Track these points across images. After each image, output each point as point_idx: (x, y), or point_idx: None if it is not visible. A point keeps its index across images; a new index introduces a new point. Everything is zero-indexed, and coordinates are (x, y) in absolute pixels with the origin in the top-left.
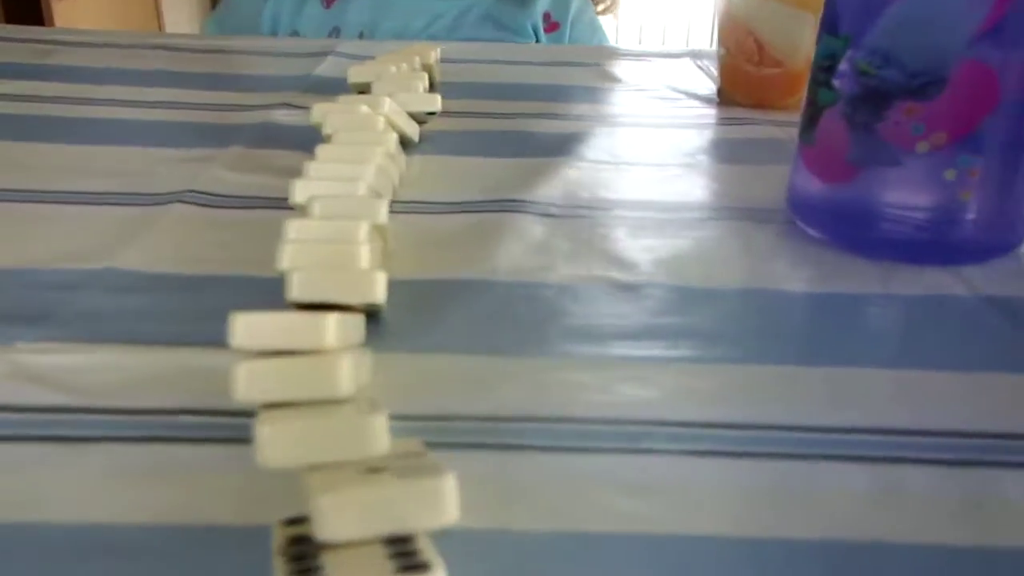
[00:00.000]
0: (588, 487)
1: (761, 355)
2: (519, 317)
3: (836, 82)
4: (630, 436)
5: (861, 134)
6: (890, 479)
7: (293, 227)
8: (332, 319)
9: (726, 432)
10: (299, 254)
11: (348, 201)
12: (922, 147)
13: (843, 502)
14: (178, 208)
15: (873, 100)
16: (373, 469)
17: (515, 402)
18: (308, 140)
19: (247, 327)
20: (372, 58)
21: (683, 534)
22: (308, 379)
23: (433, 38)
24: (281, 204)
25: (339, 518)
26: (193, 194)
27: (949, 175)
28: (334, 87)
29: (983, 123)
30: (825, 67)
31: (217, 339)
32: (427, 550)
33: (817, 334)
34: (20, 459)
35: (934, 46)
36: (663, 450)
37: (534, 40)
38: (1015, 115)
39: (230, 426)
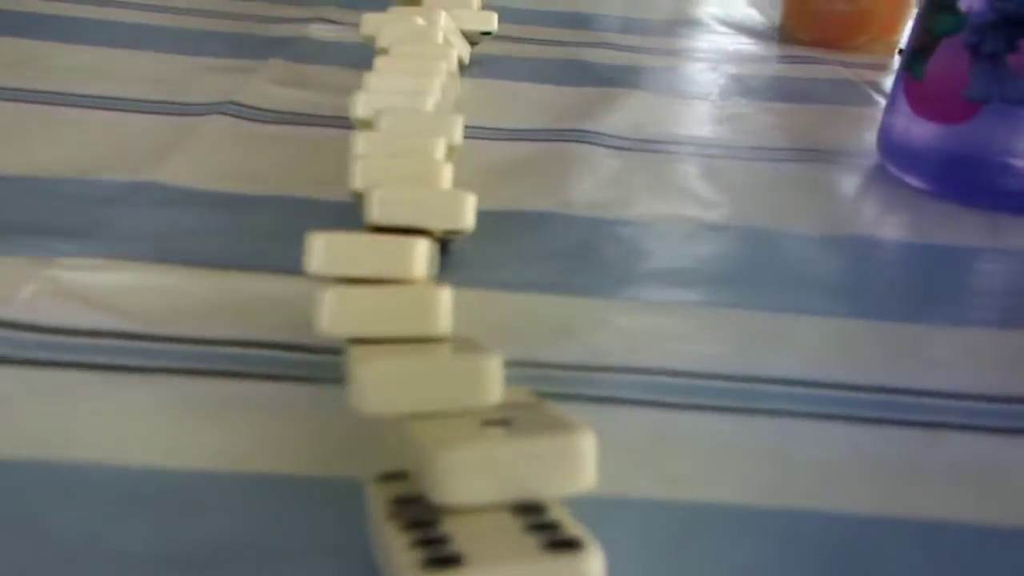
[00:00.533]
0: (696, 449)
1: (861, 309)
2: (601, 256)
3: (962, 5)
4: (734, 394)
5: (987, 66)
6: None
7: (363, 140)
8: (423, 244)
9: (831, 392)
10: (374, 171)
11: (420, 116)
12: None
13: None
14: (219, 120)
15: (1006, 27)
16: (491, 421)
17: (608, 350)
18: (353, 57)
19: (327, 249)
20: None
21: (799, 508)
22: (405, 312)
23: None
24: (330, 122)
25: (465, 478)
26: (235, 106)
27: None
28: (370, 3)
29: None
30: None
31: (281, 264)
32: (569, 522)
33: (920, 288)
34: (57, 387)
35: None
36: (782, 411)
37: None
38: None
39: (308, 363)
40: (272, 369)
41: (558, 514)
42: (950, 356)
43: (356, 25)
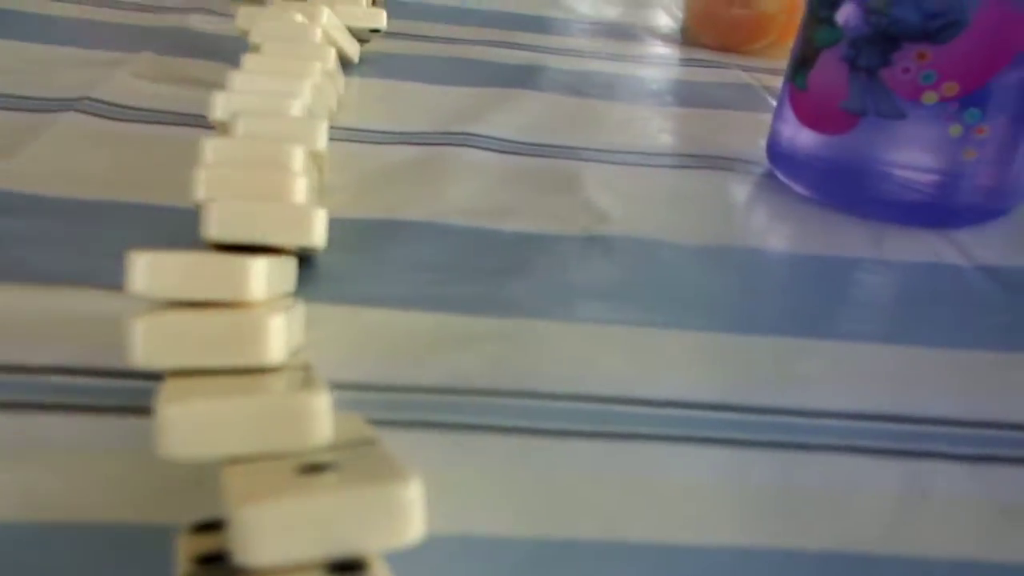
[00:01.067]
0: (564, 479)
1: (746, 324)
2: (476, 268)
3: (839, 19)
4: (608, 417)
5: (863, 79)
6: (915, 473)
7: (211, 147)
8: (259, 264)
9: (713, 415)
10: (219, 181)
11: (280, 120)
12: (929, 97)
13: (864, 503)
14: (71, 117)
15: (881, 42)
16: (312, 466)
17: (475, 371)
18: (230, 51)
19: (150, 269)
20: None
21: (652, 543)
22: (228, 340)
23: None
24: (196, 121)
25: (270, 535)
26: (91, 103)
27: (955, 131)
28: None
29: (999, 74)
30: (827, 2)
31: (114, 280)
32: None
33: (805, 301)
34: None
35: None
36: (648, 435)
37: None
38: None
39: (123, 391)
40: (79, 399)
41: (377, 571)
42: (820, 372)
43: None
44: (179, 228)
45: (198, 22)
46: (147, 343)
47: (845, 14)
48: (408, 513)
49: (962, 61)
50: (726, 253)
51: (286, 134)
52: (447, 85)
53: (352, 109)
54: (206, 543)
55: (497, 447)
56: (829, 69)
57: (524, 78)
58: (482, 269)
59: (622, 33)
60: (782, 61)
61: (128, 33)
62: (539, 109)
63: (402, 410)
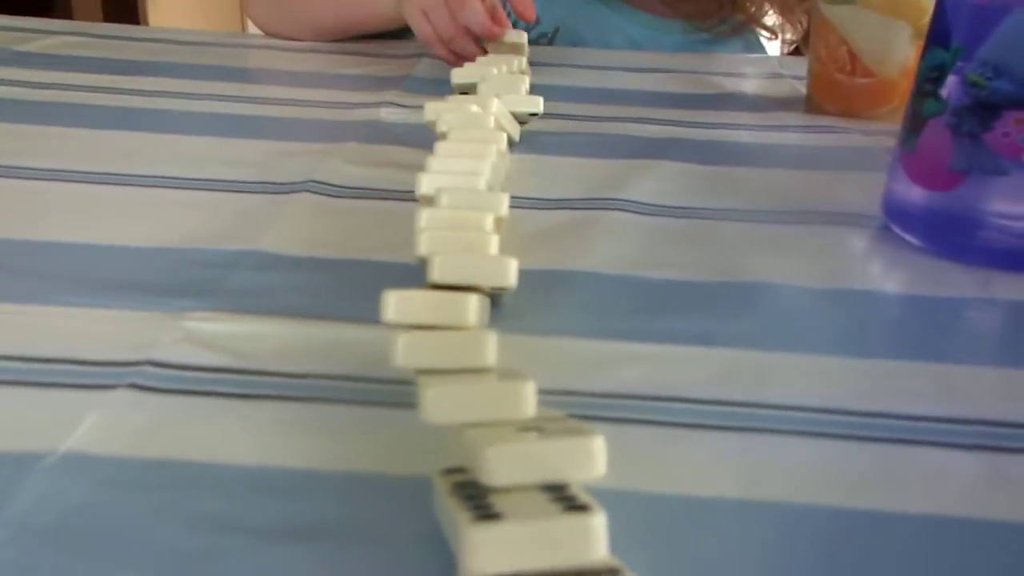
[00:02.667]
0: (700, 459)
1: (863, 349)
2: (629, 308)
3: (943, 93)
4: (742, 417)
5: (966, 143)
6: (996, 465)
7: (425, 216)
8: (475, 299)
9: (839, 418)
10: (435, 241)
11: (473, 194)
12: None
13: (951, 484)
14: (306, 197)
15: (981, 111)
16: (526, 428)
17: (633, 382)
18: (417, 137)
19: (399, 303)
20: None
21: (786, 502)
22: (460, 350)
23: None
24: (400, 196)
25: (505, 466)
26: (317, 184)
27: None
28: (431, 87)
29: None
30: (932, 78)
31: (360, 315)
32: (584, 495)
33: (916, 332)
34: (196, 411)
35: None
36: (773, 430)
37: None
38: None
39: (384, 392)
40: (356, 396)
41: (575, 491)
42: (926, 388)
43: (421, 107)
44: (399, 277)
45: (387, 115)
46: (406, 351)
47: (948, 88)
48: (595, 456)
49: None
50: (846, 296)
51: (478, 205)
52: (594, 158)
53: (518, 180)
54: (457, 478)
55: (649, 436)
56: (936, 135)
57: (663, 150)
58: (634, 308)
59: (750, 104)
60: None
61: (332, 127)
62: (678, 176)
63: (578, 409)
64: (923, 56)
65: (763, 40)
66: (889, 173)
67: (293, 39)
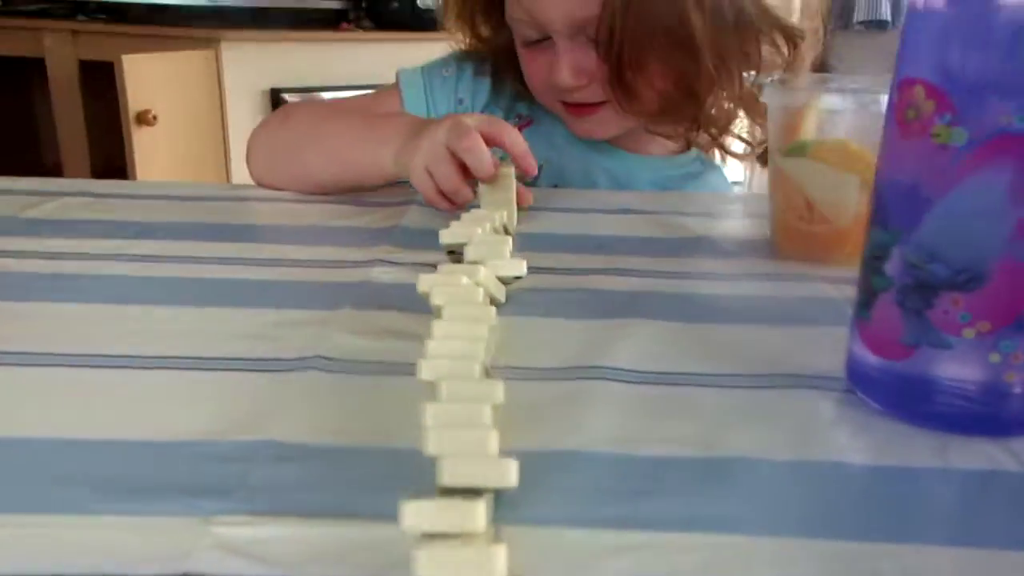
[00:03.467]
0: None
1: (830, 531)
2: (618, 491)
3: (888, 270)
4: None
5: (913, 319)
6: None
7: (430, 412)
8: (482, 507)
9: None
10: (441, 441)
11: (470, 384)
12: (968, 333)
13: None
14: (311, 375)
15: (922, 290)
16: None
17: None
18: (409, 300)
19: (416, 513)
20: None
21: None
22: (478, 566)
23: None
24: (400, 370)
25: None
26: (321, 360)
27: (994, 358)
28: (420, 239)
29: (1022, 314)
30: (877, 256)
31: (378, 511)
32: None
33: (880, 510)
34: None
35: (975, 244)
36: None
37: None
38: None
39: None
40: None
41: None
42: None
43: (412, 264)
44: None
45: (379, 275)
46: (428, 569)
47: (892, 266)
48: None
49: (989, 305)
50: (816, 468)
51: (475, 395)
52: (576, 319)
53: (508, 347)
54: None
55: None
56: (886, 308)
57: (640, 306)
58: (622, 491)
59: (720, 251)
60: None
61: (327, 291)
62: (655, 338)
63: None
64: (867, 233)
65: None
66: (849, 338)
67: (292, 190)
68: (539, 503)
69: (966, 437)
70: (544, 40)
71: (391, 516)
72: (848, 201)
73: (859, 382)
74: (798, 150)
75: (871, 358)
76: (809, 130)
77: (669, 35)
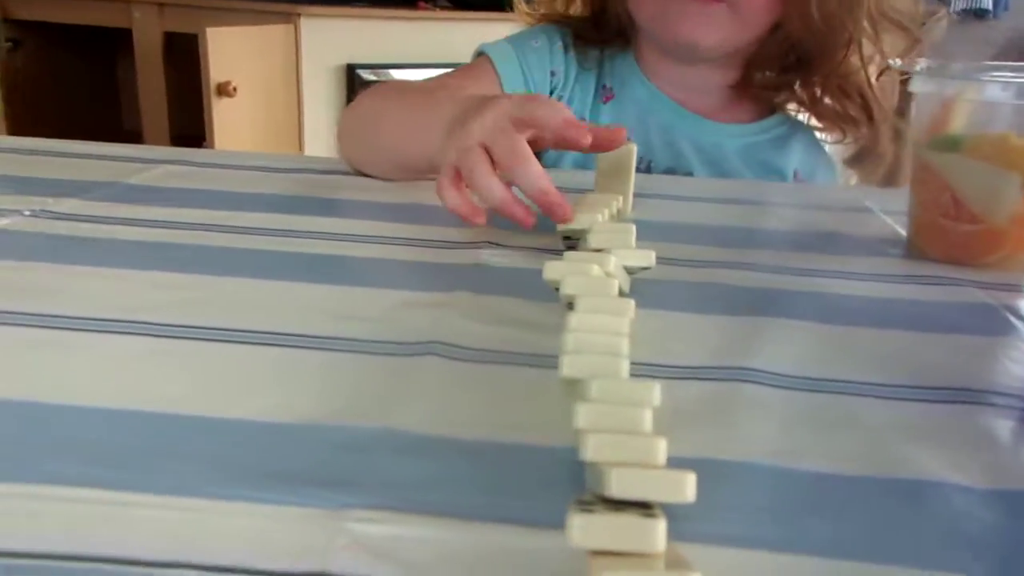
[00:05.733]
0: None
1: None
2: (782, 509)
3: None
4: None
5: None
6: None
7: (583, 413)
8: (663, 527)
9: None
10: (604, 448)
11: (622, 385)
12: None
13: None
14: (432, 361)
15: None
16: None
17: None
18: (527, 287)
19: (587, 527)
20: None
21: None
22: None
23: (688, 166)
24: (527, 360)
25: None
26: (442, 346)
27: None
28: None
29: None
30: None
31: (522, 517)
32: None
33: None
34: None
35: None
36: None
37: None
38: None
39: None
40: None
41: None
42: None
43: (521, 248)
44: (544, 465)
45: (490, 258)
46: None
47: None
48: None
49: None
50: (1015, 498)
51: (631, 398)
52: (706, 314)
53: (641, 344)
54: None
55: None
56: None
57: (773, 304)
58: (789, 509)
59: (849, 246)
60: (1016, 275)
61: (438, 272)
62: (798, 338)
63: None
64: None
65: (821, 139)
66: None
67: (377, 175)
68: (703, 520)
69: None
70: None
71: (543, 523)
72: (1005, 200)
73: None
74: (949, 145)
75: None
76: (960, 123)
77: None
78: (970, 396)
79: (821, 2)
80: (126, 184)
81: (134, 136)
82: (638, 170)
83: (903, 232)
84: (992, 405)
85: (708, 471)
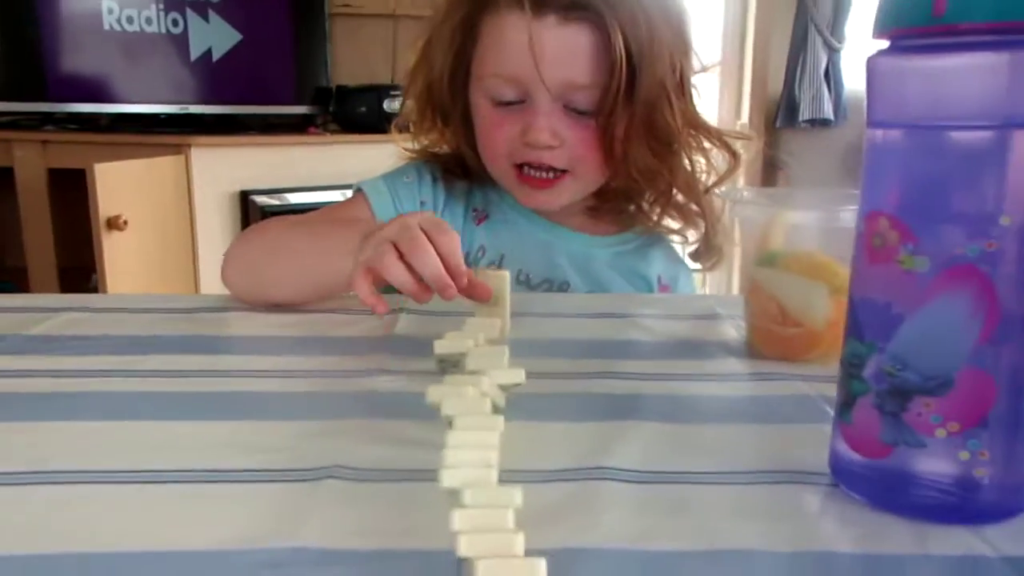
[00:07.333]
0: None
1: None
2: None
3: (866, 376)
4: None
5: (890, 420)
6: None
7: (458, 519)
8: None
9: None
10: (472, 543)
11: (491, 491)
12: (940, 433)
13: None
14: (331, 484)
15: (897, 394)
16: None
17: None
18: (414, 408)
19: None
20: (442, 314)
21: None
22: None
23: (563, 275)
24: (414, 476)
25: None
26: (341, 469)
27: (963, 455)
28: (417, 348)
29: (988, 415)
30: (855, 364)
31: None
32: None
33: None
34: None
35: (942, 355)
36: None
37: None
38: (1012, 409)
39: None
40: None
41: None
42: None
43: (411, 372)
44: (433, 567)
45: (382, 384)
46: None
47: (869, 373)
48: None
49: (957, 408)
50: (809, 558)
51: (498, 501)
52: (572, 422)
53: (514, 453)
54: None
55: None
56: (865, 410)
57: (631, 409)
58: None
59: (700, 352)
60: (833, 368)
61: (331, 401)
62: (650, 439)
63: None
64: (844, 343)
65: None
66: (832, 437)
67: (265, 303)
68: None
69: (944, 526)
70: (516, 104)
71: None
72: (817, 306)
73: (844, 478)
74: (769, 260)
75: (854, 456)
76: (778, 242)
77: (653, 119)
78: (786, 477)
79: (636, 161)
80: (24, 335)
81: (18, 272)
82: (518, 281)
83: (743, 335)
84: (802, 483)
85: (567, 558)
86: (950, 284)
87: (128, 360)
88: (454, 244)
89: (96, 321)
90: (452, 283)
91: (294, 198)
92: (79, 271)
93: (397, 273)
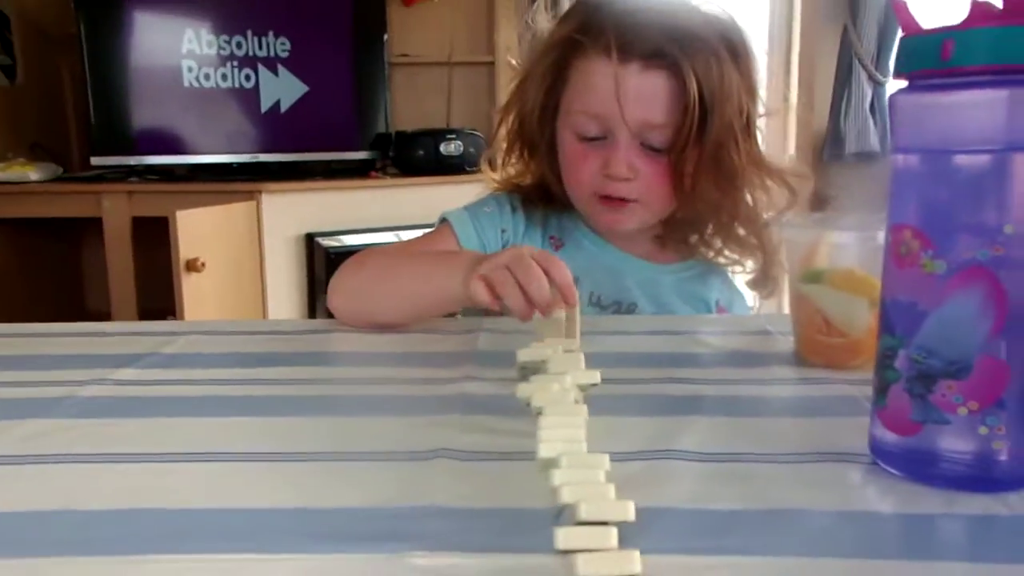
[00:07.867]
0: None
1: (869, 550)
2: (701, 533)
3: (897, 364)
4: None
5: (919, 402)
6: None
7: (558, 476)
8: (614, 531)
9: None
10: (573, 491)
11: (582, 456)
12: (961, 411)
13: None
14: (441, 461)
15: (924, 379)
16: None
17: None
18: (505, 407)
19: (566, 537)
20: (515, 332)
21: None
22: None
23: (631, 298)
24: (514, 456)
25: None
26: (447, 451)
27: (982, 431)
28: (498, 360)
29: (1003, 396)
30: (887, 355)
31: (520, 546)
32: None
33: (907, 541)
34: None
35: (961, 344)
36: None
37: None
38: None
39: None
40: None
41: None
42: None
43: (496, 379)
44: (537, 519)
45: (472, 389)
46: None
47: (899, 363)
48: None
49: (976, 389)
50: (853, 516)
51: (590, 464)
52: (644, 416)
53: (596, 439)
54: None
55: None
56: (897, 395)
57: (694, 407)
58: (706, 533)
59: (752, 361)
60: (873, 373)
61: (431, 402)
62: (712, 429)
63: None
64: (878, 339)
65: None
66: (870, 421)
67: (370, 325)
68: (646, 539)
69: (967, 493)
70: (598, 139)
71: (535, 550)
72: (858, 318)
73: (881, 455)
74: (814, 277)
75: (888, 435)
76: (822, 261)
77: (720, 157)
78: (832, 457)
79: (703, 194)
80: (162, 354)
81: (101, 315)
82: (589, 303)
83: (792, 346)
84: (846, 462)
85: (645, 516)
86: (965, 284)
87: (254, 372)
88: (566, 271)
89: (218, 342)
90: (557, 302)
91: (354, 239)
92: (158, 312)
93: (513, 293)
